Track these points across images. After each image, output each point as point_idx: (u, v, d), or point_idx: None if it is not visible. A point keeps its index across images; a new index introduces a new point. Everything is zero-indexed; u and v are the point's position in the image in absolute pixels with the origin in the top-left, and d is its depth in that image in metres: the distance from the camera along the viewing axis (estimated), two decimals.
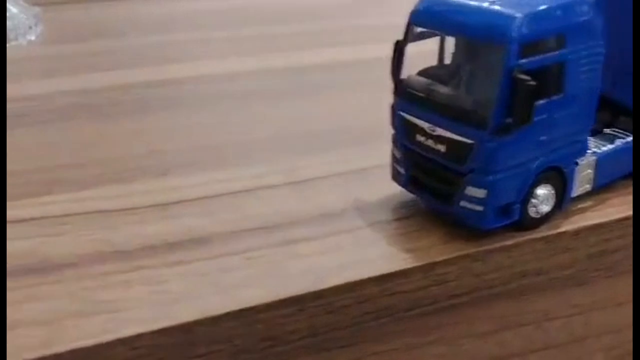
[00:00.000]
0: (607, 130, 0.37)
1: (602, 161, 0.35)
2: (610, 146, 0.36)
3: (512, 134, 0.29)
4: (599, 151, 0.35)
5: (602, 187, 0.36)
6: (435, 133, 0.32)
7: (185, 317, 0.28)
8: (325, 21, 0.72)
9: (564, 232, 0.34)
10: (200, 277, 0.30)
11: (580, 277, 0.36)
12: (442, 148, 0.32)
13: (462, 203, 0.31)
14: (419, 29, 0.33)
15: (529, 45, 0.29)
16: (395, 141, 0.35)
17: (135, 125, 0.46)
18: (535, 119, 0.30)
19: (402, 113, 0.33)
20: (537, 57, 0.29)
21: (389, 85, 0.34)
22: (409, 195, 0.36)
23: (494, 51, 0.30)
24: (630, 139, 0.37)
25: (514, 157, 0.31)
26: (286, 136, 0.45)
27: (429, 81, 0.33)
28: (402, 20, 0.33)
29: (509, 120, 0.29)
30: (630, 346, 0.37)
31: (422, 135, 0.32)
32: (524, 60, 0.29)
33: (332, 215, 0.35)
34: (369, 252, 0.32)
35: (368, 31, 0.66)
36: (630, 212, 0.36)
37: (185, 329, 0.28)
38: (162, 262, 0.31)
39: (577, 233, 0.34)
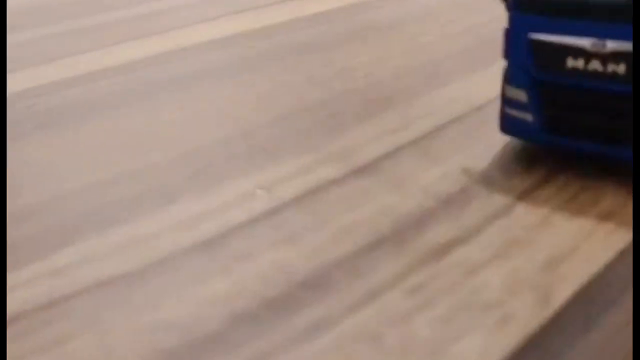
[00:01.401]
0: None
1: None
2: None
3: None
4: None
5: None
6: (606, 50, 0.23)
7: None
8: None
9: None
10: None
11: None
12: (619, 69, 0.23)
13: None
14: None
15: None
16: (514, 78, 0.25)
17: None
18: None
19: (534, 35, 0.24)
20: None
21: None
22: (518, 150, 0.27)
23: None
24: None
25: None
26: (296, 113, 0.33)
27: None
28: None
29: None
30: None
31: (579, 58, 0.23)
32: None
33: (455, 199, 0.24)
34: (557, 235, 0.22)
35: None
36: None
37: None
38: (286, 332, 0.18)
39: None
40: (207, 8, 0.58)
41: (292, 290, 0.20)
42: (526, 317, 0.18)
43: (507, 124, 0.26)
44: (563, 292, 0.19)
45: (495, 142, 0.28)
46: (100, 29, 0.52)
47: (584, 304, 0.20)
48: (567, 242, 0.22)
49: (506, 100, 0.26)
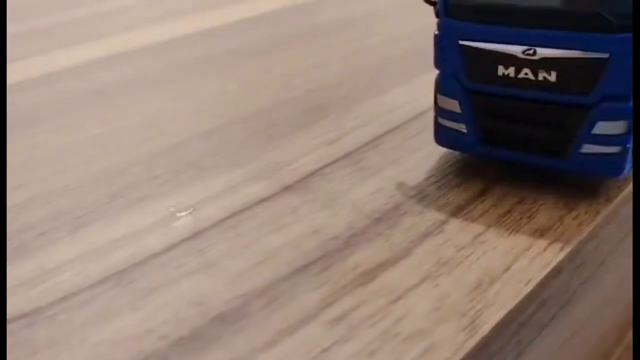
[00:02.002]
0: None
1: None
2: None
3: None
4: None
5: None
6: (536, 57, 0.22)
7: None
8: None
9: None
10: None
11: None
12: (550, 77, 0.22)
13: (586, 148, 0.22)
14: None
15: None
16: (446, 87, 0.24)
17: None
18: None
19: (464, 42, 0.23)
20: None
21: None
22: (454, 162, 0.26)
23: None
24: None
25: None
26: (230, 122, 0.32)
27: None
28: None
29: None
30: None
31: (510, 66, 0.22)
32: None
33: (387, 216, 0.23)
34: (489, 255, 0.21)
35: None
36: None
37: None
38: None
39: None
40: (144, 11, 0.56)
41: (205, 327, 0.18)
42: (452, 347, 0.17)
43: (442, 136, 0.25)
44: (492, 317, 0.18)
45: (433, 153, 0.27)
46: (26, 36, 0.50)
47: (515, 327, 0.19)
48: (499, 262, 0.21)
49: (439, 111, 0.25)
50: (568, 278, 0.22)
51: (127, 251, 0.22)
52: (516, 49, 0.22)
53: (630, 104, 0.22)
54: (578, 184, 0.24)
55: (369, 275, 0.20)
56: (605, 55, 0.21)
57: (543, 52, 0.22)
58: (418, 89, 0.34)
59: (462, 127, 0.24)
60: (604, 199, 0.23)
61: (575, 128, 0.22)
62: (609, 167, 0.22)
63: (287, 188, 0.26)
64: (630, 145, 0.22)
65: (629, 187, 0.24)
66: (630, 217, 0.25)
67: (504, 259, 0.21)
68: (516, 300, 0.19)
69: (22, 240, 0.23)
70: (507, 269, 0.20)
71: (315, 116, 0.32)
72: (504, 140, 0.24)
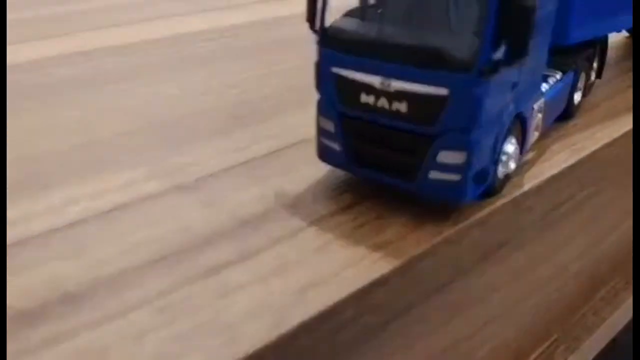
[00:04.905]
0: None
1: (547, 103, 0.30)
2: (546, 85, 0.31)
3: (500, 73, 0.23)
4: (543, 92, 0.31)
5: (543, 132, 0.32)
6: (390, 88, 0.24)
7: None
8: None
9: (527, 191, 0.29)
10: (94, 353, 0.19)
11: (544, 226, 0.32)
12: (402, 107, 0.24)
13: (432, 175, 0.24)
14: None
15: None
16: (324, 109, 0.27)
17: None
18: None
19: (336, 69, 0.25)
20: None
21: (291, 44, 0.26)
22: (342, 177, 0.29)
23: None
24: (559, 75, 0.33)
25: (494, 106, 0.24)
26: (156, 124, 0.34)
27: (371, 22, 0.25)
28: None
29: (497, 56, 0.23)
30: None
31: (371, 94, 0.25)
32: None
33: (253, 220, 0.25)
34: (327, 261, 0.23)
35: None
36: (575, 158, 0.32)
37: None
38: (20, 345, 0.19)
39: (539, 189, 0.30)
40: (111, 15, 0.59)
41: (49, 304, 0.21)
42: (253, 339, 0.20)
43: (322, 152, 0.28)
44: (299, 318, 0.20)
45: (326, 167, 0.29)
46: None
47: (329, 328, 0.21)
48: (332, 269, 0.23)
49: (320, 130, 0.27)
50: (402, 289, 0.24)
51: (12, 233, 0.25)
52: (375, 80, 0.24)
53: (471, 136, 0.24)
54: (434, 207, 0.26)
55: (211, 272, 0.23)
56: (445, 92, 0.23)
57: (396, 84, 0.24)
58: None
59: (336, 146, 0.27)
60: (452, 222, 0.25)
61: (423, 155, 0.24)
62: (452, 193, 0.25)
63: (179, 187, 0.28)
64: (471, 174, 0.24)
65: (481, 213, 0.26)
66: (484, 243, 0.27)
67: (338, 266, 0.23)
68: (330, 303, 0.21)
69: None
70: (336, 275, 0.22)
71: (235, 125, 0.35)
72: (367, 161, 0.26)
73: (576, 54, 0.34)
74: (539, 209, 0.30)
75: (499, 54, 0.23)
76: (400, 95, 0.24)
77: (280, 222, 0.26)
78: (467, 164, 0.24)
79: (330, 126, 0.26)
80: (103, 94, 0.39)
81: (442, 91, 0.23)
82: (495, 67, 0.23)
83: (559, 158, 0.31)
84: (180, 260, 0.23)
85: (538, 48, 0.27)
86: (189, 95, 0.39)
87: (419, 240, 0.24)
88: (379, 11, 0.25)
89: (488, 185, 0.26)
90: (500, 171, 0.27)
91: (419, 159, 0.24)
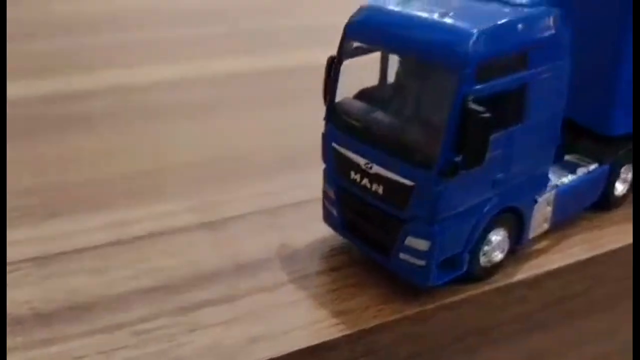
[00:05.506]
0: (567, 157, 0.33)
1: (561, 195, 0.31)
2: (571, 177, 0.31)
3: (461, 175, 0.25)
4: (558, 183, 0.31)
5: (560, 223, 0.32)
6: (372, 171, 0.26)
7: None
8: (245, 22, 0.65)
9: (519, 282, 0.29)
10: None
11: (538, 323, 0.32)
12: (379, 189, 0.26)
13: (402, 255, 0.26)
14: (356, 44, 0.28)
15: (486, 67, 0.24)
16: (328, 177, 0.29)
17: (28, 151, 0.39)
18: (490, 155, 0.25)
19: (335, 145, 0.28)
20: (494, 81, 0.24)
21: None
22: (343, 240, 0.31)
23: (443, 74, 0.25)
24: (593, 167, 0.32)
25: (464, 202, 0.26)
26: (205, 161, 0.39)
27: (368, 106, 0.28)
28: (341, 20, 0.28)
29: (458, 158, 0.24)
30: None
31: (357, 173, 0.27)
32: (479, 86, 0.24)
33: (250, 266, 0.29)
34: (288, 318, 0.26)
35: (300, 33, 0.60)
36: (595, 253, 0.31)
37: None
38: (29, 341, 0.25)
39: (535, 281, 0.30)
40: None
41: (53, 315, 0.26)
42: None
43: (325, 215, 0.30)
44: None
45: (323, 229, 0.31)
46: None
47: None
48: (286, 326, 0.26)
49: (325, 195, 0.30)
50: (353, 357, 0.26)
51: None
52: (360, 161, 0.27)
53: (434, 227, 0.25)
54: (411, 284, 0.28)
55: (191, 308, 0.26)
56: (411, 184, 0.25)
57: (376, 168, 0.26)
58: None
59: (335, 212, 0.29)
60: (420, 302, 0.27)
61: (395, 236, 0.26)
62: (418, 276, 0.26)
63: (206, 224, 0.32)
64: (435, 261, 0.26)
65: (453, 298, 0.27)
66: (457, 327, 0.28)
67: (292, 324, 0.26)
68: (266, 357, 0.24)
69: None
70: (286, 333, 0.25)
71: (284, 168, 0.38)
72: (355, 231, 0.28)
73: (620, 143, 0.33)
74: (537, 301, 0.30)
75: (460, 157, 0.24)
76: (378, 178, 0.26)
77: (271, 272, 0.29)
78: (431, 251, 0.26)
79: (331, 193, 0.29)
80: (181, 122, 0.43)
81: (409, 182, 0.25)
82: (455, 169, 0.24)
83: (572, 251, 0.31)
84: (171, 293, 0.27)
85: (531, 145, 0.27)
86: (261, 132, 0.42)
87: (376, 315, 0.26)
88: (382, 95, 0.28)
89: (467, 272, 0.27)
90: (483, 259, 0.28)
91: (391, 239, 0.26)
